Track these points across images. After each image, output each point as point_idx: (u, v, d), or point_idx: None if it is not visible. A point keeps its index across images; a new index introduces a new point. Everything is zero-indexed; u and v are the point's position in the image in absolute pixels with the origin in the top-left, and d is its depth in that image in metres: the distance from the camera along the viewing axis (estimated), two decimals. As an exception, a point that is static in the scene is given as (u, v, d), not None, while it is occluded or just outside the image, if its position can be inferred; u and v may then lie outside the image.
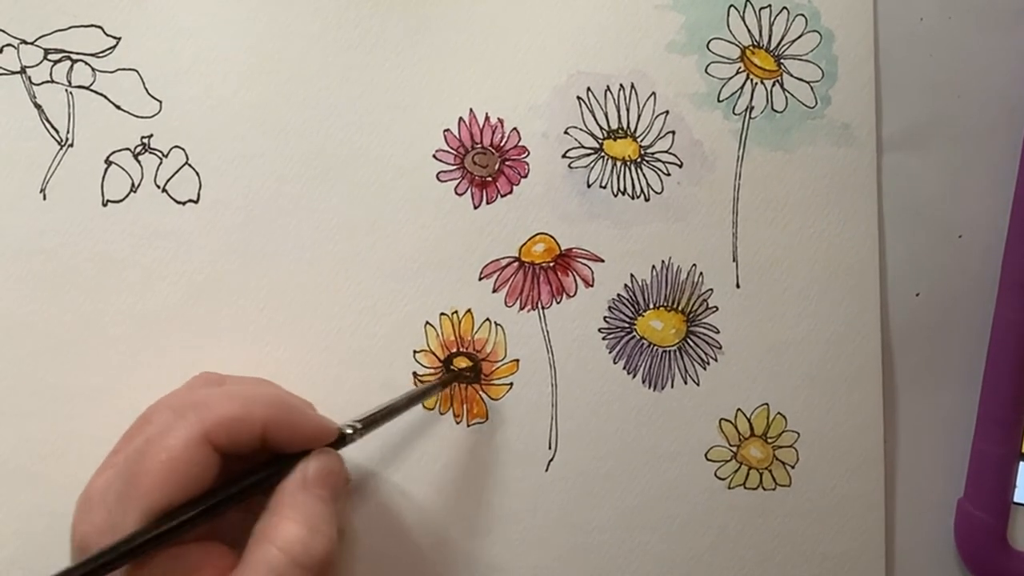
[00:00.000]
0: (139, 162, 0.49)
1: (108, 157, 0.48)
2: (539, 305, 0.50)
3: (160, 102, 0.49)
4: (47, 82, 0.48)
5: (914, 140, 0.52)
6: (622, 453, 0.50)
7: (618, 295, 0.50)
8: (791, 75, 0.51)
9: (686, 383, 0.51)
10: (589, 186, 0.50)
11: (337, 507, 0.41)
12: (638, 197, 0.50)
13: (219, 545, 0.40)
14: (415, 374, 0.50)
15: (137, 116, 0.49)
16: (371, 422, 0.44)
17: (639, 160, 0.51)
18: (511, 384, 0.50)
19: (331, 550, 0.38)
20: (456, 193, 0.50)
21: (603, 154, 0.50)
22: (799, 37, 0.51)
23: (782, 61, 0.51)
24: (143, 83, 0.49)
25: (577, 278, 0.50)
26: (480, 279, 0.50)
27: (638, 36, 0.50)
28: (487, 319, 0.50)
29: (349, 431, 0.43)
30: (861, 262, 0.51)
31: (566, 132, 0.50)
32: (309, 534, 0.38)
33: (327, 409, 0.49)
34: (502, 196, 0.50)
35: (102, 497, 0.38)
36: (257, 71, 0.49)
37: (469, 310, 0.50)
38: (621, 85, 0.50)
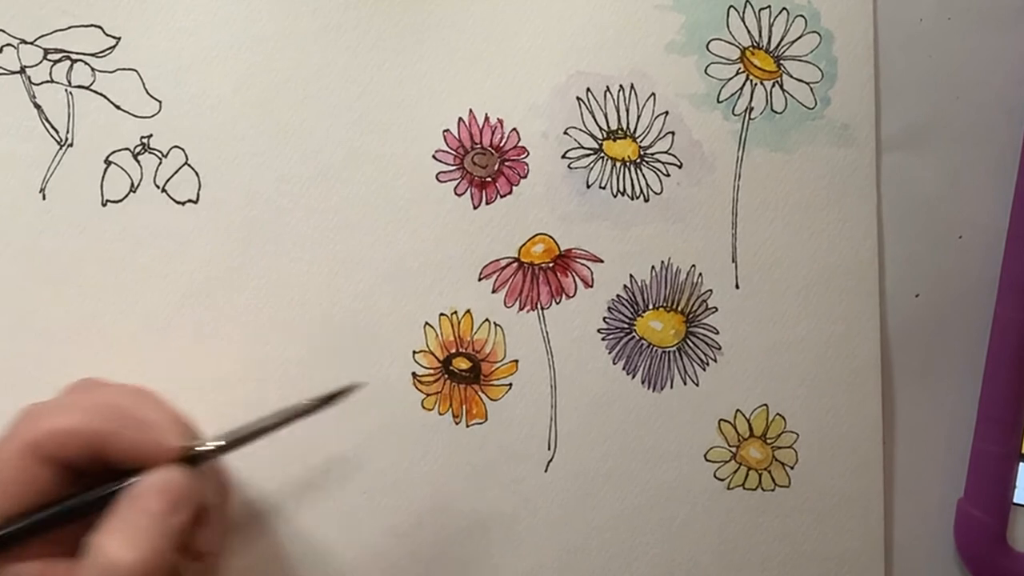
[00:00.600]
0: (138, 162, 0.49)
1: (108, 157, 0.48)
2: (538, 306, 0.50)
3: (160, 102, 0.49)
4: (47, 82, 0.48)
5: (914, 140, 0.52)
6: (621, 454, 0.50)
7: (617, 296, 0.50)
8: (791, 76, 0.51)
9: (685, 384, 0.51)
10: (589, 187, 0.50)
11: (175, 522, 0.39)
12: (637, 198, 0.50)
13: (64, 562, 0.39)
14: (414, 375, 0.50)
15: (137, 116, 0.49)
16: (235, 441, 0.43)
17: (639, 161, 0.51)
18: (510, 385, 0.50)
19: (145, 563, 0.37)
20: (456, 193, 0.50)
21: (603, 154, 0.50)
22: (799, 38, 0.51)
23: (782, 62, 0.51)
24: (143, 83, 0.49)
25: (576, 279, 0.50)
26: (479, 279, 0.50)
27: (638, 36, 0.50)
28: (486, 319, 0.50)
29: (210, 447, 0.42)
30: (861, 262, 0.51)
31: (566, 132, 0.50)
32: (120, 548, 0.37)
33: (327, 410, 0.49)
34: (501, 196, 0.50)
35: None
36: (257, 71, 0.49)
37: (468, 310, 0.50)
38: (621, 85, 0.50)
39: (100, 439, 0.39)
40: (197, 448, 0.42)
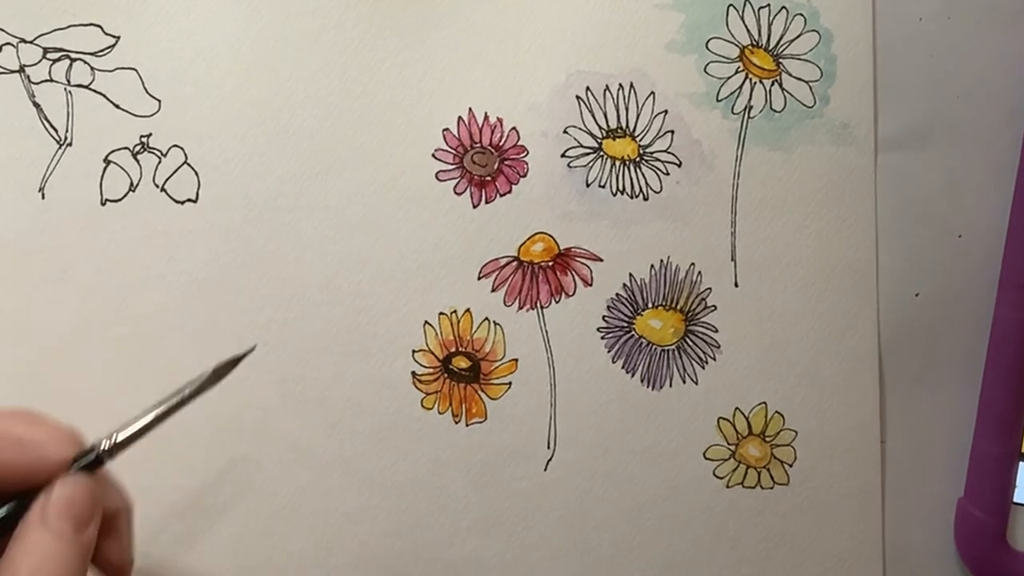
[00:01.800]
0: (138, 161, 0.49)
1: (107, 156, 0.49)
2: (538, 304, 0.50)
3: (159, 101, 0.49)
4: (46, 81, 0.48)
5: (913, 140, 0.52)
6: (621, 452, 0.50)
7: (617, 294, 0.50)
8: (790, 74, 0.51)
9: (684, 382, 0.51)
10: (588, 185, 0.50)
11: (86, 538, 0.37)
12: (637, 196, 0.50)
13: None
14: (414, 374, 0.50)
15: (136, 115, 0.49)
16: (126, 441, 0.40)
17: (638, 159, 0.51)
18: (510, 384, 0.50)
19: None
20: (455, 192, 0.50)
21: (602, 153, 0.50)
22: (798, 37, 0.51)
23: (781, 60, 0.51)
24: (142, 82, 0.49)
25: (576, 277, 0.50)
26: (479, 278, 0.50)
27: (637, 35, 0.50)
28: (486, 318, 0.50)
29: (104, 448, 0.39)
30: (859, 261, 0.51)
31: (565, 131, 0.50)
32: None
33: (327, 410, 0.49)
34: (501, 195, 0.50)
35: None
36: (257, 70, 0.49)
37: (468, 309, 0.50)
38: (620, 84, 0.50)
39: None
40: (93, 452, 0.39)
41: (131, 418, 0.40)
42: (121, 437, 0.40)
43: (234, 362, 0.42)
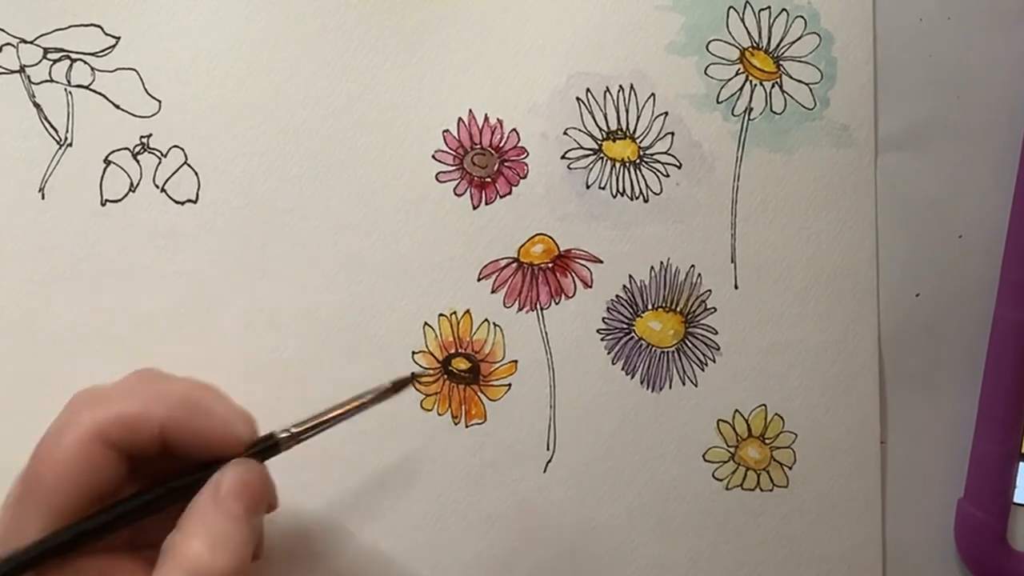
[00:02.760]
0: (138, 162, 0.49)
1: (107, 157, 0.49)
2: (538, 306, 0.50)
3: (159, 102, 0.49)
4: (46, 81, 0.48)
5: (913, 140, 0.52)
6: (620, 454, 0.50)
7: (617, 296, 0.50)
8: (790, 77, 0.51)
9: (684, 384, 0.51)
10: (588, 187, 0.50)
11: (256, 522, 0.38)
12: (637, 198, 0.50)
13: (135, 558, 0.37)
14: (414, 375, 0.50)
15: (136, 116, 0.49)
16: (307, 431, 0.41)
17: (638, 161, 0.50)
18: (509, 385, 0.50)
19: (234, 569, 0.35)
20: (455, 194, 0.50)
21: (602, 155, 0.50)
22: (798, 39, 0.51)
23: (781, 63, 0.51)
24: (142, 82, 0.49)
25: (576, 279, 0.50)
26: (479, 280, 0.50)
27: (638, 37, 0.50)
28: (486, 320, 0.50)
29: (283, 435, 0.40)
30: (859, 263, 0.51)
31: (565, 133, 0.50)
32: (210, 553, 0.35)
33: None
34: (501, 197, 0.50)
35: (6, 499, 0.36)
36: (257, 71, 0.49)
37: (468, 311, 0.50)
38: (620, 86, 0.50)
39: (169, 427, 0.37)
40: (280, 435, 0.39)
41: (308, 416, 0.41)
42: (297, 431, 0.40)
43: (411, 378, 0.44)
